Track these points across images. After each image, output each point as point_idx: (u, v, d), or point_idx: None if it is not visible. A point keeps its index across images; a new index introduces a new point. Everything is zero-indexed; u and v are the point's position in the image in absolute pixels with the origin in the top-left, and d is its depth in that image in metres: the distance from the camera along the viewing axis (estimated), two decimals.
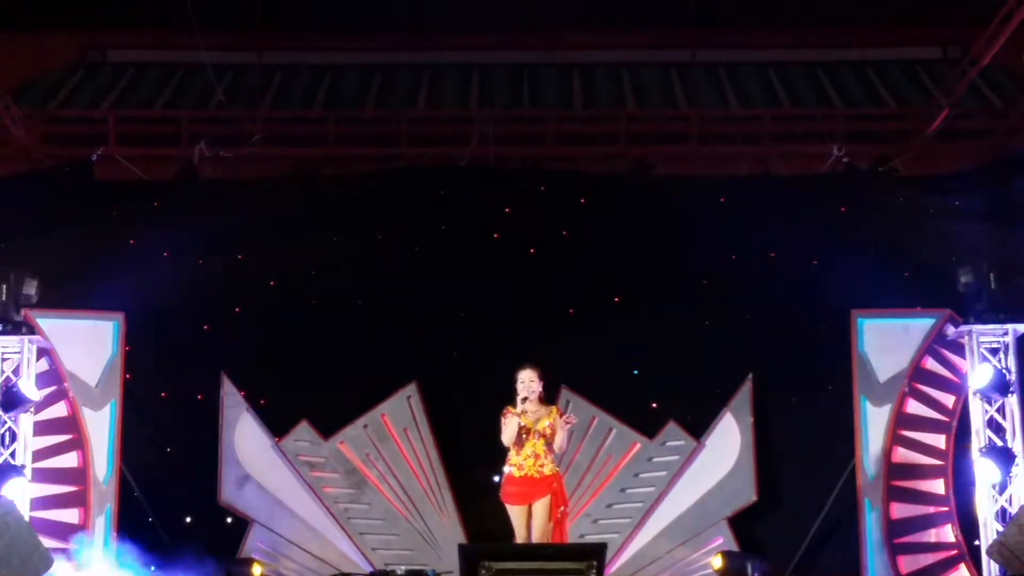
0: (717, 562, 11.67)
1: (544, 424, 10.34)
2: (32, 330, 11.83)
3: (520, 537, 10.35)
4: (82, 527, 12.00)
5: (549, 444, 10.34)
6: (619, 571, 12.18)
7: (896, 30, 14.36)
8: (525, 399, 10.30)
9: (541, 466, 10.30)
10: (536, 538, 10.25)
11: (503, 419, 10.36)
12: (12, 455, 11.68)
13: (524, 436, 10.32)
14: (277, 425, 12.55)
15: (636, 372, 12.70)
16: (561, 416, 10.51)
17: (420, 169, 13.36)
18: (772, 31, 14.41)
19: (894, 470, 12.17)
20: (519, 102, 14.17)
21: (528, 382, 10.34)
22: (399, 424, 12.57)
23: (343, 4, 14.01)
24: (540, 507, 10.29)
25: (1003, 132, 13.41)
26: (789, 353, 12.48)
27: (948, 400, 12.24)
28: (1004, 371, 11.73)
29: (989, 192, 12.86)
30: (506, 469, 10.37)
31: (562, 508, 10.36)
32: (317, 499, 12.48)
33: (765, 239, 12.77)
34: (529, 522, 10.32)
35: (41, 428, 11.99)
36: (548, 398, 10.76)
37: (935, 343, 12.25)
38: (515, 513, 10.39)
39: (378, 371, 12.58)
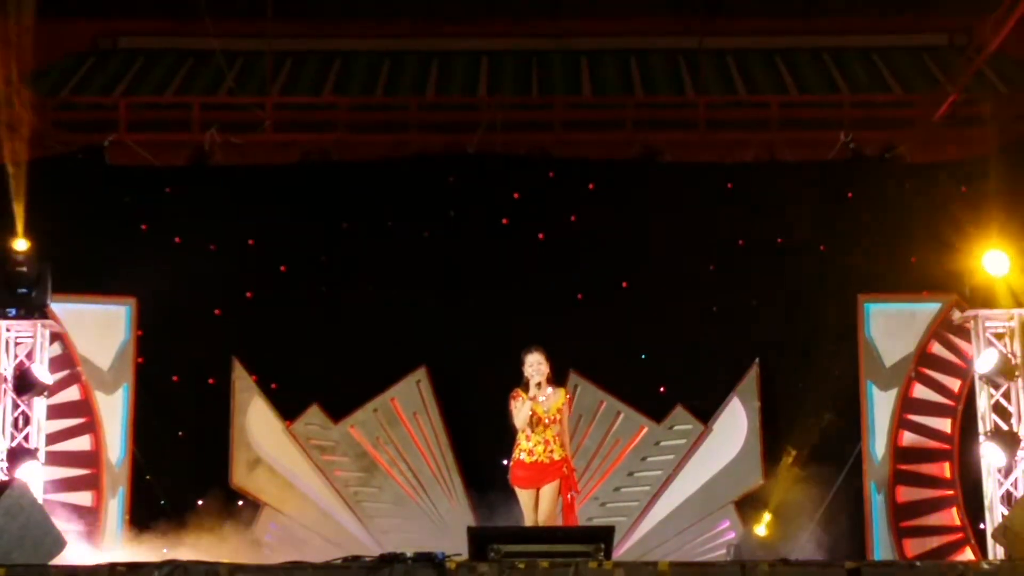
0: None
1: (555, 410, 10.40)
2: (45, 315, 11.90)
3: (529, 520, 10.40)
4: (95, 510, 12.12)
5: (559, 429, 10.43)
6: (626, 554, 12.24)
7: (902, 17, 14.36)
8: (539, 384, 10.35)
9: (551, 452, 10.35)
10: (542, 521, 10.30)
11: (513, 402, 10.38)
12: (26, 438, 11.79)
13: (535, 422, 10.37)
14: (288, 409, 12.66)
15: (644, 357, 12.79)
16: (569, 396, 10.59)
17: (429, 155, 13.39)
18: (779, 18, 14.42)
19: (900, 454, 12.26)
20: (527, 89, 14.20)
21: (537, 365, 10.36)
22: (408, 408, 12.65)
23: None
24: (547, 491, 10.33)
25: (1009, 118, 13.43)
26: (796, 338, 12.56)
27: (954, 384, 12.32)
28: (1010, 356, 11.79)
29: (995, 178, 12.89)
30: (516, 454, 10.43)
31: (572, 492, 10.42)
32: (327, 482, 12.58)
33: (772, 225, 12.83)
34: (537, 505, 10.39)
35: (54, 412, 12.09)
36: (557, 382, 10.78)
37: (941, 328, 12.33)
38: (524, 497, 10.44)
39: (387, 355, 12.68)
